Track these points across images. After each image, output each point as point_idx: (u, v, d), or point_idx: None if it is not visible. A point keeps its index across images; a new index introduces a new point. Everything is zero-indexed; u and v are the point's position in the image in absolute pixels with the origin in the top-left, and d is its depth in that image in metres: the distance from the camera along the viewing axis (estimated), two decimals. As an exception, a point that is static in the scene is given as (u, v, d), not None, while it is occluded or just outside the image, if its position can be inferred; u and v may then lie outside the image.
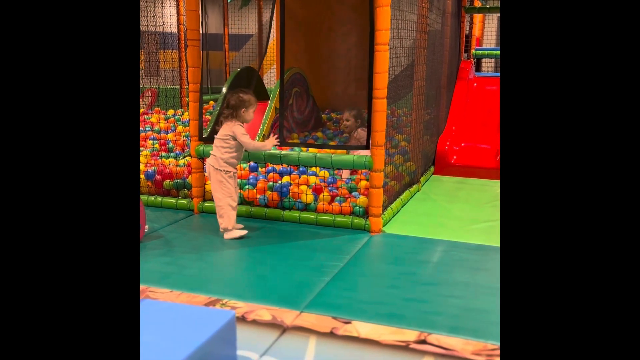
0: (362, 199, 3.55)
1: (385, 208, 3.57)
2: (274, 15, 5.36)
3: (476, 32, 7.97)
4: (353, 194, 3.72)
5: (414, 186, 4.38)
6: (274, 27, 6.20)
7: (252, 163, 4.15)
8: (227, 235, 3.29)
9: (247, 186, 3.86)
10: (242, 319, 2.21)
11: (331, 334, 2.11)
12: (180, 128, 5.67)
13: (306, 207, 3.64)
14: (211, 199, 3.85)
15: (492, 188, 4.62)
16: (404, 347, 2.01)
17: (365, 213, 3.50)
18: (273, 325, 2.17)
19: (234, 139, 3.28)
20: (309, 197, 3.64)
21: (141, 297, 2.40)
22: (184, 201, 3.90)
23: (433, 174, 5.15)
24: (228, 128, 3.31)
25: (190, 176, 3.93)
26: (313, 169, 4.01)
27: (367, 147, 3.48)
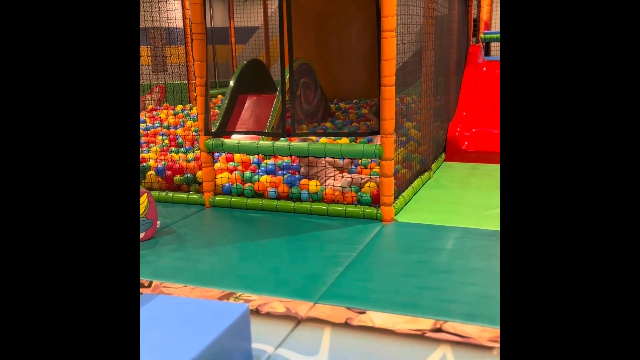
0: (370, 184, 3.52)
1: (396, 196, 3.54)
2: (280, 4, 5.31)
3: (484, 16, 7.85)
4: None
5: (426, 173, 4.34)
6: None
7: (255, 158, 4.17)
8: None
9: (256, 177, 3.85)
10: (256, 312, 2.21)
11: (346, 325, 2.10)
12: (189, 123, 5.67)
13: (311, 198, 3.62)
14: (222, 193, 3.85)
15: (505, 173, 4.57)
16: (420, 336, 2.00)
17: (373, 201, 3.48)
18: (287, 317, 2.17)
19: None
20: (317, 186, 3.62)
21: (155, 293, 2.41)
22: (195, 196, 3.90)
23: (444, 160, 5.11)
24: None
25: (200, 171, 3.93)
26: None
27: (377, 132, 3.46)
